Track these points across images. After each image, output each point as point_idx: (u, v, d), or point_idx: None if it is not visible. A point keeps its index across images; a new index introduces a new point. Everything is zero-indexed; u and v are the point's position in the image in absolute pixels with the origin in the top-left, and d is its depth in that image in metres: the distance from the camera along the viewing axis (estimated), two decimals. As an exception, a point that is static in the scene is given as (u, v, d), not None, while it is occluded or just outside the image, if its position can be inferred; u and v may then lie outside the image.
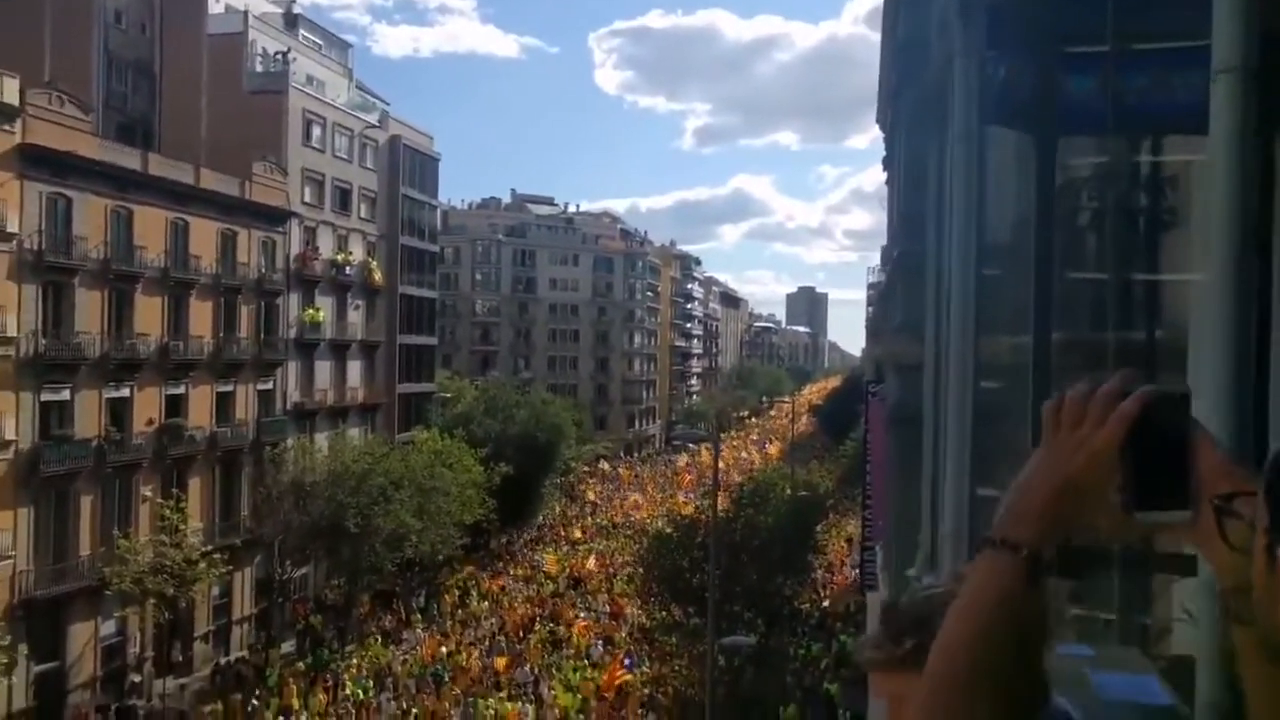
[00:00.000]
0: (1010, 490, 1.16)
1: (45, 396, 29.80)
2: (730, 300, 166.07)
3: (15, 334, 28.52)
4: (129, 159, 33.74)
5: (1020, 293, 4.70)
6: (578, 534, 56.90)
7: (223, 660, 35.32)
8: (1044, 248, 4.46)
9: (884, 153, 18.10)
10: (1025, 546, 1.11)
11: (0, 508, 28.08)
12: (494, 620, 39.98)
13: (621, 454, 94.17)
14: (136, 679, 32.08)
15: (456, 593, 43.81)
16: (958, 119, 3.63)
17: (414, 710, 28.99)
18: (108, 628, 31.73)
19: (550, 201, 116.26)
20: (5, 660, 25.56)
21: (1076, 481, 1.10)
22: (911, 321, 8.84)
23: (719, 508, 28.65)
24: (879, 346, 10.61)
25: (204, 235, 36.77)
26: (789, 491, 38.96)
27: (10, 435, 28.29)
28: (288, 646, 37.56)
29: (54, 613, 29.65)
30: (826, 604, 41.67)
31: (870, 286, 44.07)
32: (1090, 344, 5.05)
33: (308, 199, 43.90)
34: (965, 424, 3.75)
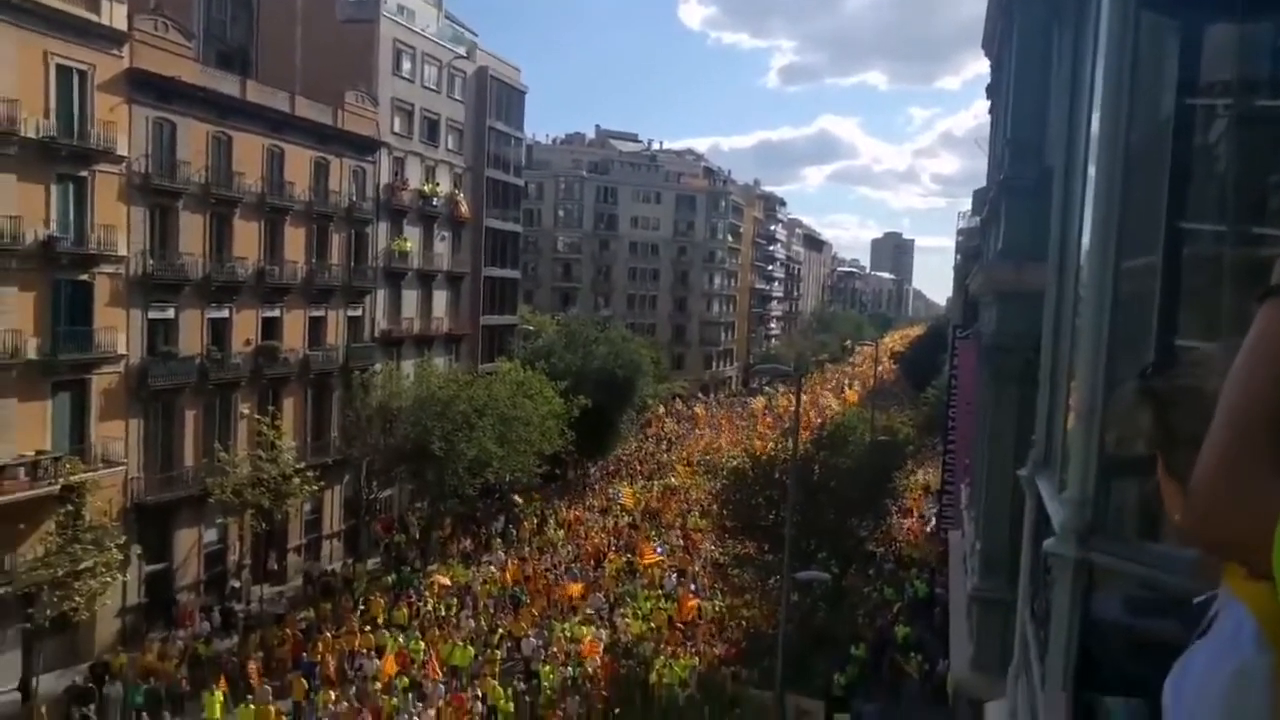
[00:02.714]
0: None
1: (152, 314, 31.24)
2: (813, 243, 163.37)
3: (125, 253, 29.87)
4: (229, 85, 34.59)
5: (1143, 212, 4.51)
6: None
7: (314, 572, 37.08)
8: (1183, 154, 4.26)
9: (987, 83, 17.40)
10: None
11: (113, 418, 29.76)
12: (570, 548, 41.03)
13: (698, 394, 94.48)
14: (236, 584, 34.00)
15: (535, 520, 45.00)
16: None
17: (499, 629, 30.07)
18: (210, 535, 33.61)
19: (634, 138, 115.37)
20: (121, 558, 27.36)
21: None
22: (1014, 248, 8.60)
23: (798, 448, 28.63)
24: (978, 276, 10.35)
25: (298, 163, 37.67)
26: (868, 436, 38.66)
27: (122, 350, 29.83)
28: (373, 563, 39.25)
29: (162, 518, 31.49)
30: (902, 548, 41.55)
31: (960, 233, 42.74)
32: (1215, 260, 4.84)
33: (397, 129, 44.47)
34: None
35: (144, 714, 23.81)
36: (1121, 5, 3.50)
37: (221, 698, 23.59)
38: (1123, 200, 4.22)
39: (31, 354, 26.69)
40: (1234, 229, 4.44)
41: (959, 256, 42.49)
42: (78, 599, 25.80)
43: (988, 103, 17.69)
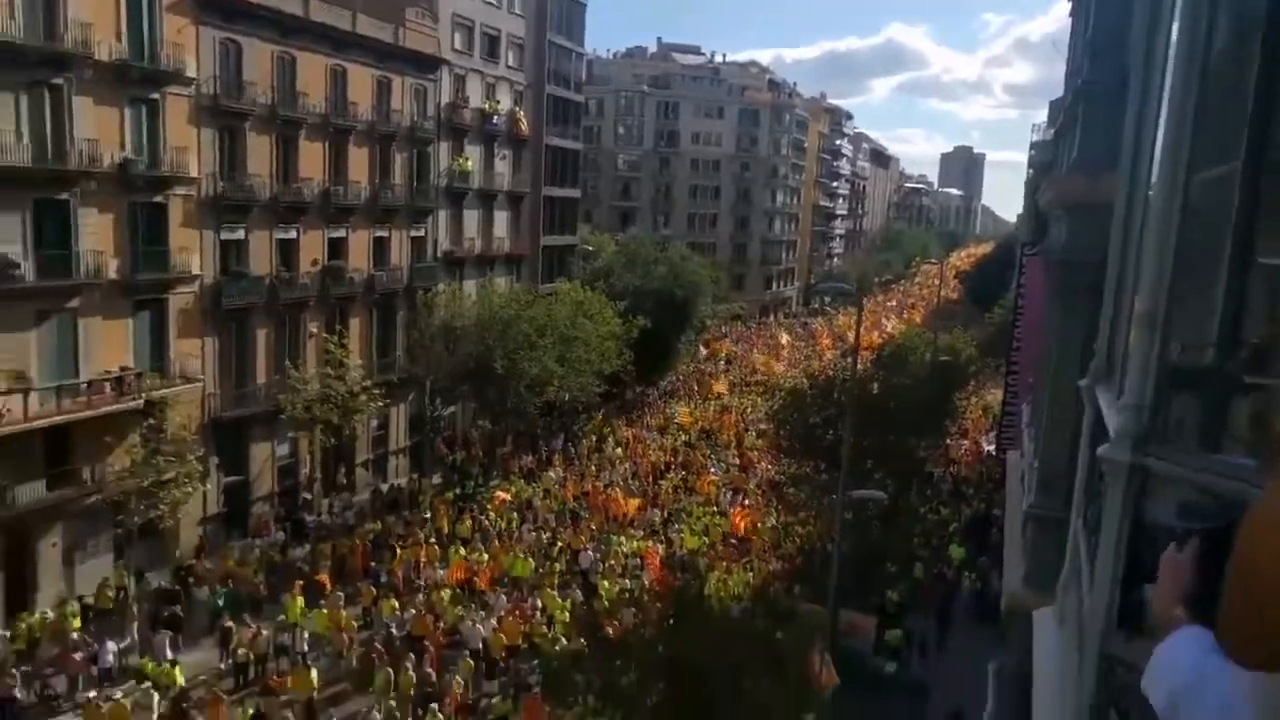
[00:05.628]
0: None
1: (224, 235, 31.99)
2: (880, 159, 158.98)
3: (197, 175, 30.49)
4: (291, 4, 34.49)
5: (1224, 117, 4.33)
6: (720, 388, 57.78)
7: (381, 486, 38.39)
8: (1271, 56, 4.07)
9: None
10: None
11: (190, 335, 30.84)
12: (628, 465, 41.72)
13: (758, 315, 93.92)
14: (307, 496, 35.44)
15: (594, 438, 45.75)
16: None
17: (558, 543, 30.93)
18: (282, 449, 34.91)
19: (697, 51, 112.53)
20: (201, 470, 28.71)
21: None
22: (1089, 159, 8.33)
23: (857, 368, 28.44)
24: (1048, 189, 10.05)
25: (361, 82, 37.70)
26: (929, 356, 38.17)
27: (196, 270, 30.72)
28: (436, 479, 40.45)
29: (237, 432, 32.79)
30: (957, 469, 41.37)
31: (1033, 146, 41.14)
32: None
33: (457, 46, 44.07)
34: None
35: (226, 615, 25.24)
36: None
37: (300, 602, 24.88)
38: (1198, 108, 4.08)
39: (113, 274, 27.66)
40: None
41: (1031, 171, 40.96)
42: (162, 507, 27.28)
43: (1069, 4, 16.85)
